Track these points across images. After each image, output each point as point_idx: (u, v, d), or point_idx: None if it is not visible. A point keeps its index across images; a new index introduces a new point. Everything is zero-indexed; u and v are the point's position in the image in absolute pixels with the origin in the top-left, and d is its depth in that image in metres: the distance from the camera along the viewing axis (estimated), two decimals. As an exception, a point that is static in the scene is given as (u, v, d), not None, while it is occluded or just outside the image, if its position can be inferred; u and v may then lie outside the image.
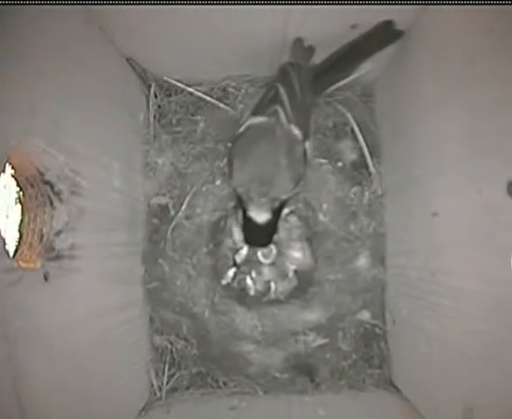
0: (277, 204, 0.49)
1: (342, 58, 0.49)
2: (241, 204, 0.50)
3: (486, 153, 0.36)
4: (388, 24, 0.46)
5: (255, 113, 0.50)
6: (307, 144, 0.50)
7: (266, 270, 0.58)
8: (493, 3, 0.32)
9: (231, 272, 0.59)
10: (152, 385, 0.59)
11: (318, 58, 0.51)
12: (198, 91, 0.62)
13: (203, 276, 0.60)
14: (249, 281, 0.58)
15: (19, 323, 0.33)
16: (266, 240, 0.53)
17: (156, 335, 0.61)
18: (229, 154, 0.52)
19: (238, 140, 0.51)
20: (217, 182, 0.61)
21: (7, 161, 0.34)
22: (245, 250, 0.58)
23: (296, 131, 0.48)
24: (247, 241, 0.53)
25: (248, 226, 0.50)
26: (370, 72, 0.56)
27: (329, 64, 0.50)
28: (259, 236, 0.52)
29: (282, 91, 0.48)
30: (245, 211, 0.49)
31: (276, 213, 0.50)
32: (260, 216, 0.49)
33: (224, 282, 0.59)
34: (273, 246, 0.58)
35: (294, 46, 0.50)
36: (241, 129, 0.51)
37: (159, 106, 0.63)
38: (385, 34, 0.47)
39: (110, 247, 0.50)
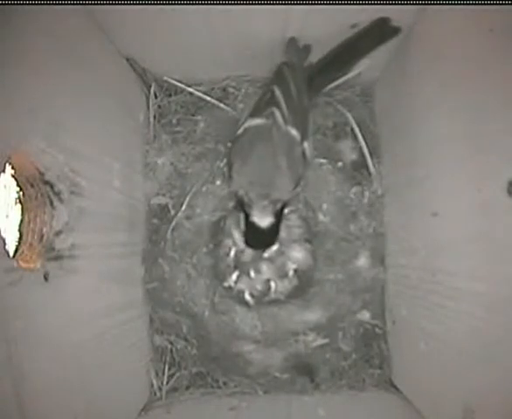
0: (279, 206, 0.49)
1: (339, 56, 0.49)
2: (243, 209, 0.49)
3: (486, 152, 0.36)
4: (384, 21, 0.46)
5: (252, 115, 0.50)
6: (306, 144, 0.50)
7: (265, 268, 0.58)
8: (493, 3, 0.32)
9: (234, 276, 0.58)
10: (152, 385, 0.59)
11: (317, 59, 0.51)
12: (198, 91, 0.62)
13: (203, 276, 0.60)
14: (248, 296, 0.58)
15: (19, 323, 0.33)
16: (269, 243, 0.53)
17: (156, 335, 0.61)
18: (228, 157, 0.52)
19: (237, 142, 0.51)
20: (218, 182, 0.61)
21: (7, 161, 0.34)
22: (247, 253, 0.58)
23: (294, 132, 0.48)
24: (249, 244, 0.53)
25: (251, 231, 0.50)
26: (369, 72, 0.56)
27: (326, 62, 0.50)
28: (261, 239, 0.51)
29: (278, 92, 0.48)
30: (247, 216, 0.49)
31: (278, 215, 0.49)
32: (263, 221, 0.48)
33: (226, 285, 0.59)
34: None
35: (288, 46, 0.50)
36: (239, 131, 0.51)
37: (159, 106, 0.62)
38: (381, 31, 0.47)
39: (110, 247, 0.50)
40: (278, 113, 0.48)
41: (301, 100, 0.49)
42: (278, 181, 0.48)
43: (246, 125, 0.50)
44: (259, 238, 0.51)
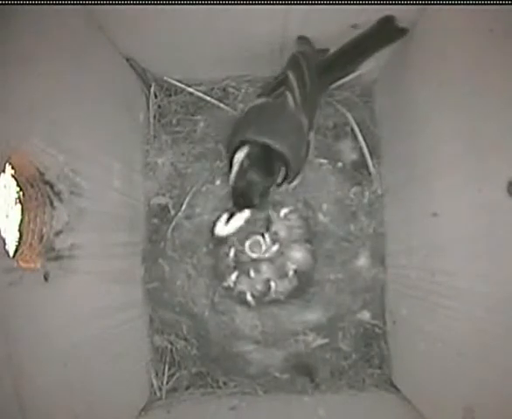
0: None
1: (346, 54, 0.49)
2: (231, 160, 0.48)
3: (486, 153, 0.36)
4: (389, 20, 0.46)
5: (261, 95, 0.50)
6: (311, 135, 0.50)
7: (265, 268, 0.58)
8: (493, 3, 0.32)
9: (233, 276, 0.58)
10: (152, 385, 0.59)
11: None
12: (198, 91, 0.62)
13: (203, 276, 0.60)
14: (248, 296, 0.58)
15: (19, 323, 0.33)
16: (255, 199, 0.48)
17: (156, 335, 0.61)
18: (233, 127, 0.51)
19: (243, 114, 0.50)
20: (217, 182, 0.61)
21: (7, 161, 0.34)
22: (247, 254, 0.58)
23: (303, 119, 0.48)
24: (234, 200, 0.49)
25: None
26: (369, 72, 0.55)
27: (333, 61, 0.50)
28: (247, 193, 0.47)
29: (292, 77, 0.48)
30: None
31: (270, 171, 0.47)
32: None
33: (226, 285, 0.59)
34: (267, 238, 0.58)
35: (298, 42, 0.50)
36: (246, 109, 0.51)
37: (159, 106, 0.63)
38: (388, 30, 0.47)
39: (110, 247, 0.50)
40: (290, 97, 0.48)
41: (313, 91, 0.49)
42: (281, 145, 0.47)
43: (253, 104, 0.50)
44: (243, 192, 0.47)
